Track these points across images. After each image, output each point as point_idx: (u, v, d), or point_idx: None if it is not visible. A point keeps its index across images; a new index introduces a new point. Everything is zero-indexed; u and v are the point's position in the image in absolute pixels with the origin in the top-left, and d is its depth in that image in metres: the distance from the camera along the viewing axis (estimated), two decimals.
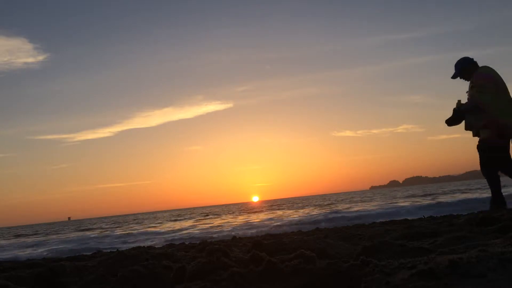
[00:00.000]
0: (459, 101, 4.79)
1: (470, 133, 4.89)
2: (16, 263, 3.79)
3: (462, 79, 4.88)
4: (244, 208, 35.56)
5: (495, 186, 4.62)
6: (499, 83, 4.58)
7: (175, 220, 19.53)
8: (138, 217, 35.51)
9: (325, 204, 21.89)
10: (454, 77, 4.91)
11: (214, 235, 7.98)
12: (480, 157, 4.70)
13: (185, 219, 20.21)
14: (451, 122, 4.80)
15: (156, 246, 5.23)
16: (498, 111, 4.46)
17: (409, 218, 6.15)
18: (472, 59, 4.88)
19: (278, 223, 9.53)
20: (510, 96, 4.59)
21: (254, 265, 1.61)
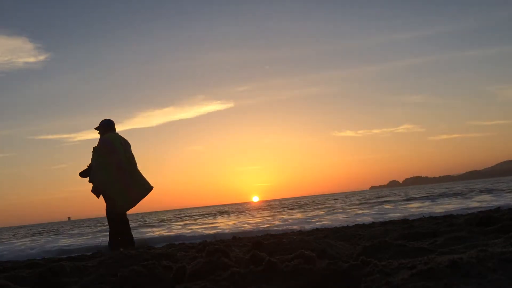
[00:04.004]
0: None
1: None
2: (16, 263, 3.79)
3: (98, 133, 5.62)
4: (244, 208, 35.55)
5: (114, 228, 5.32)
6: (112, 151, 5.34)
7: (180, 220, 19.55)
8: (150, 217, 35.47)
9: (325, 204, 21.90)
10: (96, 128, 5.64)
11: (214, 235, 7.97)
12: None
13: (185, 218, 20.23)
14: (82, 174, 5.55)
15: (156, 246, 5.24)
16: (99, 173, 5.34)
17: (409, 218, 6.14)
18: (113, 125, 5.63)
19: (278, 223, 9.53)
20: (115, 163, 5.31)
21: (254, 265, 1.61)
